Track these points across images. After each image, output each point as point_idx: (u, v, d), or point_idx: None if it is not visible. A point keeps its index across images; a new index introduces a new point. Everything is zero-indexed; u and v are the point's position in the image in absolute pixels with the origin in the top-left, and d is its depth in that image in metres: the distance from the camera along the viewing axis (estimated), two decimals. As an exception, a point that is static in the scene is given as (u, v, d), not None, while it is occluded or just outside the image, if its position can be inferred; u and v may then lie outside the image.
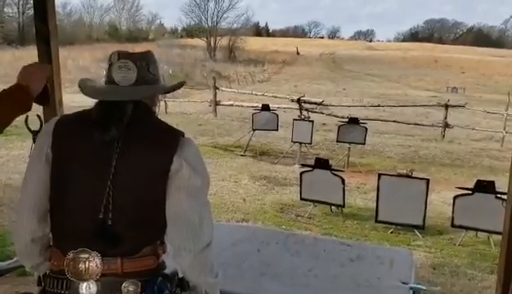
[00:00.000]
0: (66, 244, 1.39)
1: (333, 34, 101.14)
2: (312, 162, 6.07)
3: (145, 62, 1.49)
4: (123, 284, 1.36)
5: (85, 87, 1.51)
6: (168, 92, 1.68)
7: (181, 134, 1.47)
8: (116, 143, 1.40)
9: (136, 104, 1.45)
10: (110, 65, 1.47)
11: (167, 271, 1.48)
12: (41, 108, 2.98)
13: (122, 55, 1.47)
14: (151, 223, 1.42)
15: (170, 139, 1.44)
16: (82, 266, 1.35)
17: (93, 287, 1.35)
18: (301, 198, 5.91)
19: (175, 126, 1.50)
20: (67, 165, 1.43)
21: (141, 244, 1.40)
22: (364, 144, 9.24)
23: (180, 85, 1.64)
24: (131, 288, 1.35)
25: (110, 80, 1.47)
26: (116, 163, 1.38)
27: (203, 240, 1.41)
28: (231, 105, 15.15)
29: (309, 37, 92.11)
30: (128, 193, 1.38)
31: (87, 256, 1.35)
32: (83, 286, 1.35)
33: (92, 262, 1.35)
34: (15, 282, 3.37)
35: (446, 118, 13.46)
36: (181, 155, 1.40)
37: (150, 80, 1.50)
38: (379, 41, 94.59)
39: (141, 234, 1.40)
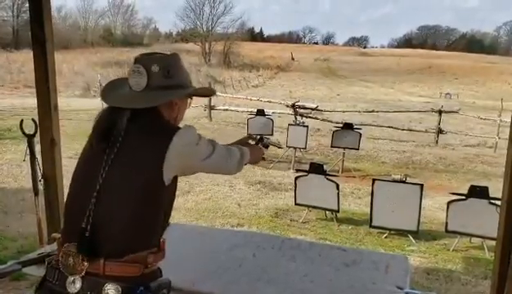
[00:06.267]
0: (65, 238, 1.45)
1: (327, 40, 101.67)
2: (306, 166, 6.07)
3: (161, 66, 1.45)
4: (104, 286, 1.35)
5: (105, 90, 1.56)
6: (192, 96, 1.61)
7: (173, 134, 1.43)
8: (106, 154, 1.40)
9: (135, 111, 1.43)
10: (129, 69, 1.49)
11: (155, 283, 1.42)
12: (36, 112, 2.99)
13: (137, 58, 1.48)
14: (140, 233, 1.41)
15: (161, 143, 1.42)
16: (71, 260, 1.37)
17: (78, 282, 1.36)
18: (296, 203, 5.91)
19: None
20: (74, 173, 1.52)
21: (125, 251, 1.38)
22: (358, 149, 9.25)
23: (205, 91, 1.73)
24: (111, 292, 1.34)
25: (129, 85, 1.49)
26: (105, 175, 1.38)
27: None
28: (226, 110, 15.15)
29: (304, 43, 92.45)
30: (115, 206, 1.38)
31: (76, 251, 1.37)
32: (70, 280, 1.37)
33: (80, 258, 1.36)
34: (8, 287, 3.35)
35: (439, 123, 13.51)
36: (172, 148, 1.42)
37: (166, 85, 1.47)
38: (373, 47, 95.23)
39: (126, 242, 1.39)
